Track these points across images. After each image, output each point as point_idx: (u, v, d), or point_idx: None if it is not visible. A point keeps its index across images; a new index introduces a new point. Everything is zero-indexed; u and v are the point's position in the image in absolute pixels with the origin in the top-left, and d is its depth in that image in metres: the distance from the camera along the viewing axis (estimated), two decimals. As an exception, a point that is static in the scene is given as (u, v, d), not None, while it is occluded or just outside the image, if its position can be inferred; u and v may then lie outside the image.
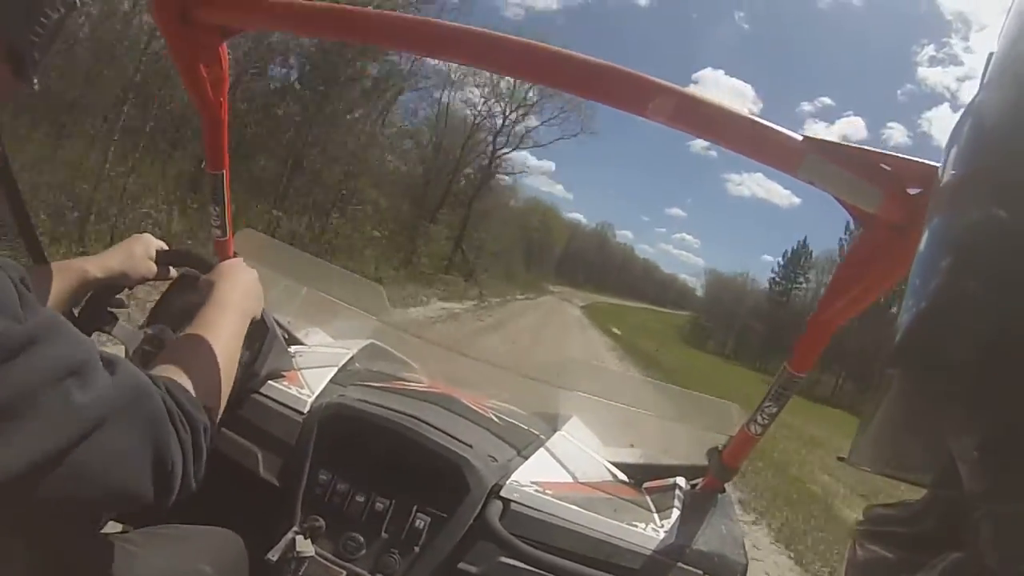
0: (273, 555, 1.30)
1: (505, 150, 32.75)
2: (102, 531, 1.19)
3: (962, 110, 0.57)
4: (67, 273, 1.20)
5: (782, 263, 64.59)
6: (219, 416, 0.91)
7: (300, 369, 1.68)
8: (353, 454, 1.45)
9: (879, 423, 0.58)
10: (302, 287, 2.06)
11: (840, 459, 0.69)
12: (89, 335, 1.31)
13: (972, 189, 0.50)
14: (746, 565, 1.41)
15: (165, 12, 1.25)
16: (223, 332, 1.00)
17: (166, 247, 1.40)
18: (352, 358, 1.88)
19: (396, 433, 1.45)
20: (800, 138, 1.07)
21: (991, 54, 0.55)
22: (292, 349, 1.80)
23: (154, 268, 1.35)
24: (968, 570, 0.48)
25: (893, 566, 0.59)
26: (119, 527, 1.30)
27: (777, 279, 64.43)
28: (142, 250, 1.33)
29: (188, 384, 0.83)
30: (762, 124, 1.08)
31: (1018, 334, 0.43)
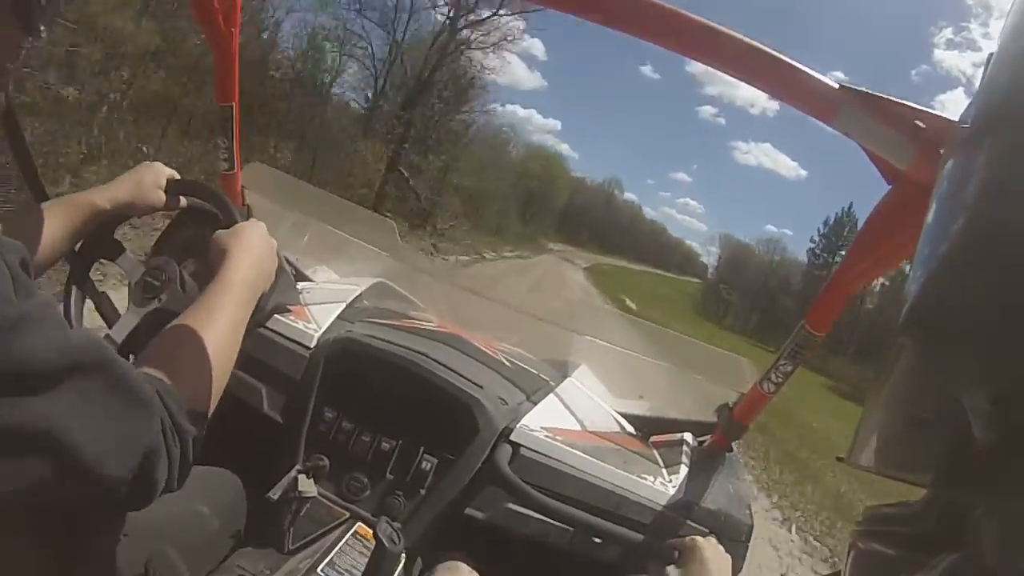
0: (274, 494, 1.27)
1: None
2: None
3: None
4: (73, 207, 1.14)
5: (823, 231, 58.46)
6: (208, 417, 0.85)
7: (307, 305, 1.64)
8: (360, 391, 1.42)
9: (879, 423, 0.58)
10: (311, 223, 2.02)
11: (839, 459, 0.68)
12: (91, 265, 1.31)
13: (985, 143, 0.50)
14: (751, 526, 1.40)
15: None
16: (226, 321, 0.93)
17: (177, 176, 1.30)
18: (360, 295, 1.84)
19: (405, 370, 1.41)
20: (837, 86, 1.03)
21: (990, 54, 0.55)
22: (300, 285, 1.76)
23: (163, 198, 1.26)
24: (968, 570, 0.48)
25: (893, 566, 0.59)
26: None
27: (817, 250, 58.37)
28: (152, 178, 1.25)
29: (180, 386, 0.78)
30: (799, 69, 1.05)
31: None
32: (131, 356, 1.08)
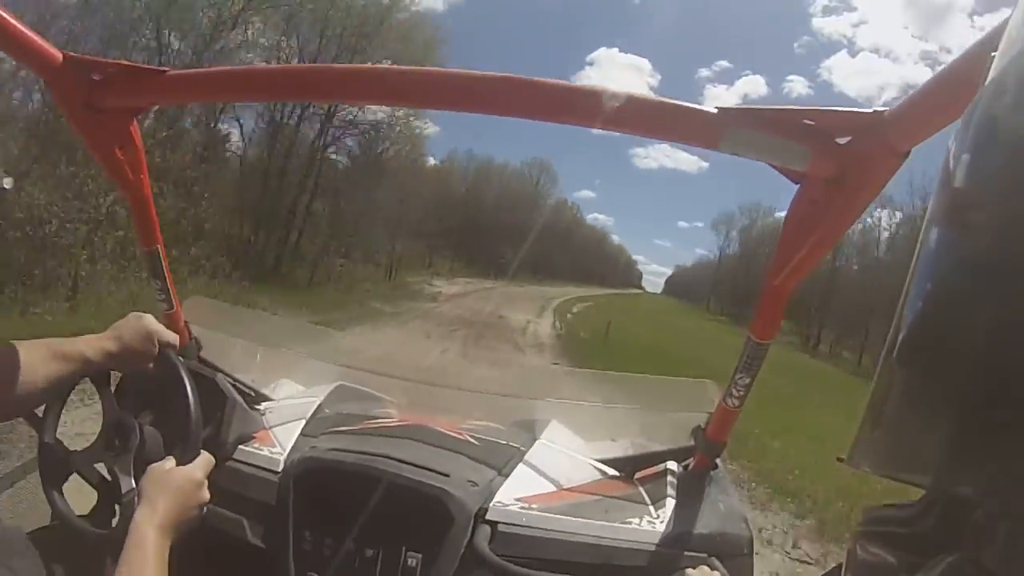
0: None
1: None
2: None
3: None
4: (63, 355, 1.19)
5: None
6: None
7: (270, 427, 1.62)
8: (334, 505, 1.39)
9: (879, 423, 0.57)
10: (258, 346, 2.01)
11: (840, 460, 0.68)
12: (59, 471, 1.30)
13: (987, 200, 0.48)
14: (751, 538, 1.38)
15: (70, 102, 1.21)
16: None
17: (169, 338, 1.36)
18: (320, 406, 1.82)
19: (371, 477, 1.39)
20: (715, 111, 1.03)
21: (992, 55, 0.54)
22: (262, 406, 1.75)
23: (151, 356, 1.32)
24: (968, 570, 0.48)
25: (893, 566, 0.58)
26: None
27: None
28: (145, 333, 1.31)
29: None
30: (675, 105, 1.05)
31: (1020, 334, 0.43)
32: None
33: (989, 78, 0.52)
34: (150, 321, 1.32)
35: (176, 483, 1.15)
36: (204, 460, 1.26)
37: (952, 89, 0.78)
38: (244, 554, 1.39)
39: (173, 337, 1.36)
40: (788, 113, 1.01)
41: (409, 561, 1.33)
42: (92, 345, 1.23)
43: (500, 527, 1.36)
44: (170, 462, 1.21)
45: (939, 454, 0.49)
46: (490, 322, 21.74)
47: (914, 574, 0.51)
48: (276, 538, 1.39)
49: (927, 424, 0.51)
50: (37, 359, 1.14)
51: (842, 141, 0.99)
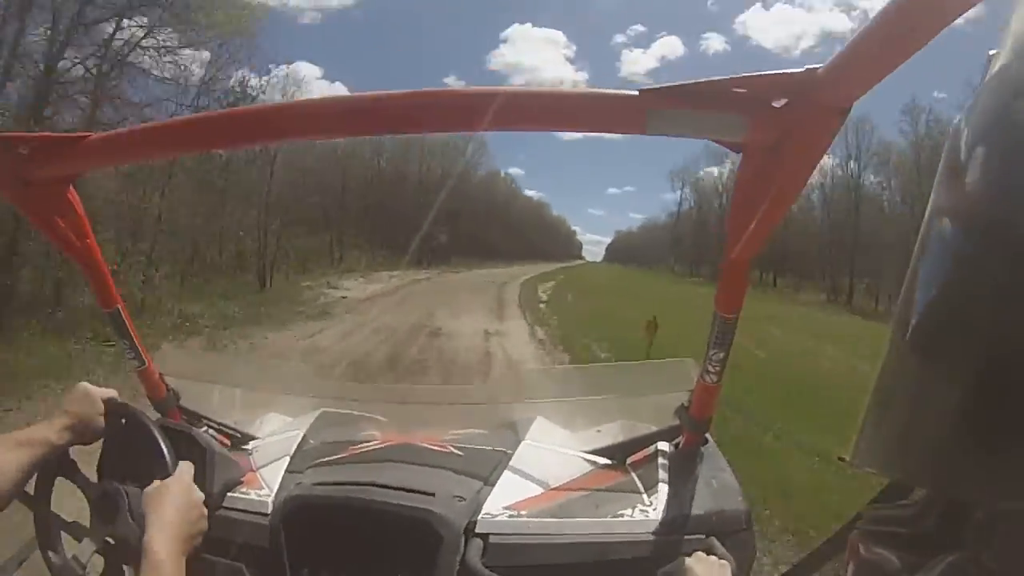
0: None
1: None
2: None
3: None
4: (27, 444, 1.22)
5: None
6: None
7: (257, 468, 1.61)
8: (325, 540, 1.39)
9: (880, 423, 0.58)
10: (235, 389, 2.00)
11: (840, 459, 0.67)
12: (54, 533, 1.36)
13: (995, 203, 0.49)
14: (748, 511, 1.37)
15: (3, 180, 1.21)
16: None
17: (112, 394, 1.38)
18: (305, 437, 1.81)
19: (357, 507, 1.38)
20: (637, 94, 0.97)
21: (990, 54, 0.56)
22: (250, 445, 1.76)
23: (102, 424, 1.35)
24: (968, 570, 0.49)
25: (893, 566, 0.59)
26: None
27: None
28: (90, 405, 1.34)
29: None
30: (594, 94, 1.00)
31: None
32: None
33: (990, 74, 0.53)
34: (94, 393, 1.35)
35: (172, 493, 1.17)
36: (185, 466, 1.30)
37: (888, 39, 0.74)
38: None
39: (112, 393, 1.39)
40: (716, 84, 0.95)
41: None
42: (48, 427, 1.27)
43: (491, 539, 1.34)
44: (157, 481, 1.23)
45: (940, 454, 0.50)
46: (423, 353, 12.38)
47: (915, 573, 0.52)
48: None
49: (928, 424, 0.52)
50: (3, 450, 1.17)
51: (778, 104, 0.94)
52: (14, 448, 1.19)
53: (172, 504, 1.15)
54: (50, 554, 1.35)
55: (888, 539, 0.62)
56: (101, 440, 1.39)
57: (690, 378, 1.49)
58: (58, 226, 1.32)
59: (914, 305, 0.54)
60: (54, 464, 1.33)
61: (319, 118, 1.11)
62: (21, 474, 1.18)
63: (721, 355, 1.33)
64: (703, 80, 0.96)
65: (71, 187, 1.31)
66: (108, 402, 1.36)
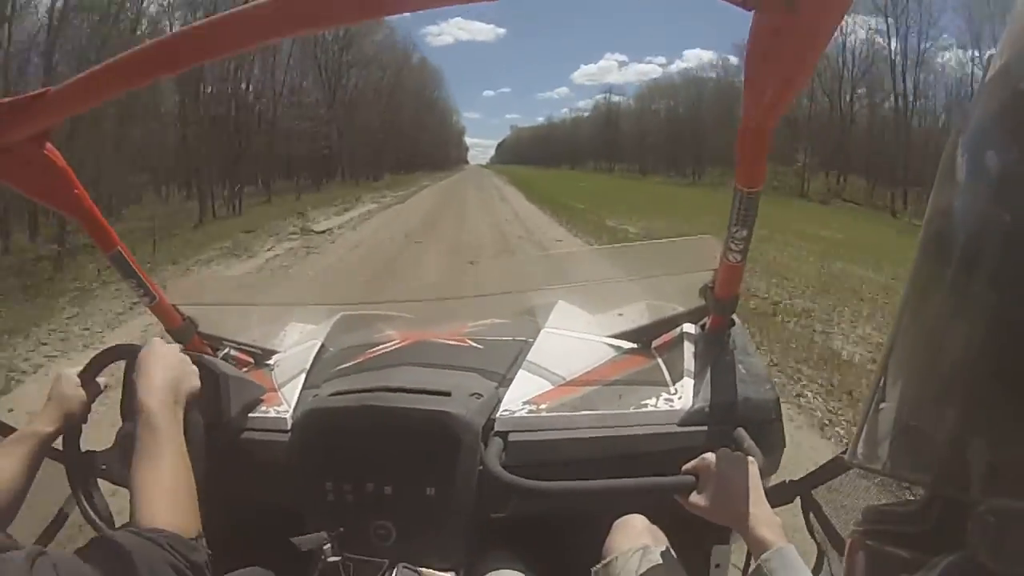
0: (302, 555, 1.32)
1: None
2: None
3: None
4: (25, 442, 1.25)
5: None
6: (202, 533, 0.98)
7: (279, 387, 1.64)
8: (345, 451, 1.41)
9: (879, 423, 0.58)
10: (252, 307, 2.01)
11: (840, 457, 0.68)
12: (87, 480, 1.44)
13: None
14: (777, 400, 1.33)
15: None
16: (166, 447, 1.05)
17: (81, 369, 1.41)
18: (323, 346, 1.82)
19: (373, 414, 1.39)
20: None
21: (990, 55, 0.54)
22: (272, 360, 1.80)
23: (84, 397, 1.38)
24: (968, 570, 0.49)
25: (893, 565, 0.60)
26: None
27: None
28: (68, 387, 1.37)
29: (173, 525, 0.92)
30: None
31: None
32: None
33: (990, 74, 0.52)
34: (69, 373, 1.40)
35: (152, 355, 1.21)
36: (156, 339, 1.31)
37: None
38: (273, 520, 1.44)
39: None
40: None
41: (428, 491, 1.36)
42: (41, 422, 1.31)
43: (511, 437, 1.36)
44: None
45: (940, 453, 0.51)
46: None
47: (915, 573, 0.52)
48: (299, 497, 1.43)
49: (928, 422, 0.53)
50: (2, 455, 1.22)
51: None
52: (9, 453, 1.22)
53: (154, 365, 1.18)
54: (87, 507, 1.42)
55: (889, 537, 0.63)
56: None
57: (712, 257, 1.43)
58: (43, 186, 1.31)
59: (913, 307, 0.55)
60: (75, 427, 1.39)
61: (264, 20, 1.02)
62: (22, 476, 1.21)
63: (744, 233, 1.26)
64: None
65: (47, 142, 1.26)
66: (94, 362, 1.41)
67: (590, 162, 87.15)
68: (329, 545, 1.33)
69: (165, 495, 0.98)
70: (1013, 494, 0.46)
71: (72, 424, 1.37)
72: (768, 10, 0.94)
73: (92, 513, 1.41)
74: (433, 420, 1.35)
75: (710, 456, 1.15)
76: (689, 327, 1.56)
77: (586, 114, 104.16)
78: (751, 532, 1.05)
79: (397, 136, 53.79)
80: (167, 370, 1.18)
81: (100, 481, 1.45)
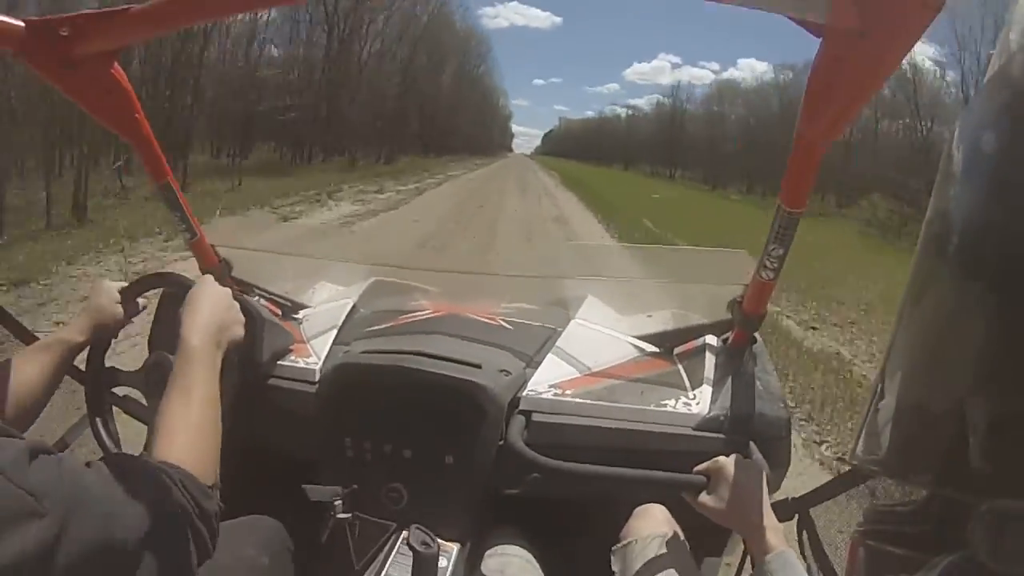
0: (322, 535, 1.34)
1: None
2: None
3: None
4: (51, 349, 1.23)
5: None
6: (218, 482, 0.93)
7: (307, 338, 1.66)
8: (369, 409, 1.43)
9: (880, 424, 0.58)
10: (287, 258, 2.02)
11: (840, 459, 0.68)
12: (103, 395, 1.44)
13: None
14: (788, 419, 1.36)
15: (46, 65, 1.20)
16: (200, 388, 1.01)
17: (126, 284, 1.40)
18: (355, 306, 1.84)
19: (402, 375, 1.41)
20: None
21: (991, 55, 0.55)
22: (300, 314, 1.81)
23: (121, 312, 1.37)
24: (968, 570, 0.49)
25: (894, 565, 0.61)
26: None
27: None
28: (106, 299, 1.35)
29: (191, 466, 0.87)
30: None
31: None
32: None
33: (989, 74, 0.53)
34: (110, 285, 1.38)
35: (202, 292, 1.18)
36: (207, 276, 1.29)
37: None
38: (289, 470, 1.45)
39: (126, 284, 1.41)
40: None
41: (446, 459, 1.38)
42: (70, 330, 1.29)
43: (534, 416, 1.38)
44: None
45: (940, 453, 0.52)
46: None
47: (915, 572, 0.52)
48: (317, 448, 1.45)
49: (929, 423, 0.53)
50: (30, 360, 1.19)
51: None
52: (34, 359, 1.20)
53: (205, 302, 1.16)
54: (100, 427, 1.43)
55: (888, 538, 0.64)
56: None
57: (744, 272, 1.44)
58: (107, 106, 1.32)
59: (913, 307, 0.55)
60: (104, 340, 1.39)
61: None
62: (43, 386, 1.20)
63: (780, 251, 1.28)
64: None
65: (115, 62, 1.28)
66: (122, 290, 1.39)
67: (645, 164, 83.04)
68: (340, 502, 1.34)
69: (189, 434, 0.94)
70: (1013, 494, 0.46)
71: (101, 337, 1.36)
72: (834, 38, 0.97)
73: (104, 434, 1.42)
74: (462, 389, 1.38)
75: (724, 460, 1.18)
76: (712, 339, 1.58)
77: (646, 111, 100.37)
78: (755, 536, 1.08)
79: (426, 109, 45.92)
80: (216, 311, 1.16)
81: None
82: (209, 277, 1.25)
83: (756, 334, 1.53)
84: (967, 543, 0.49)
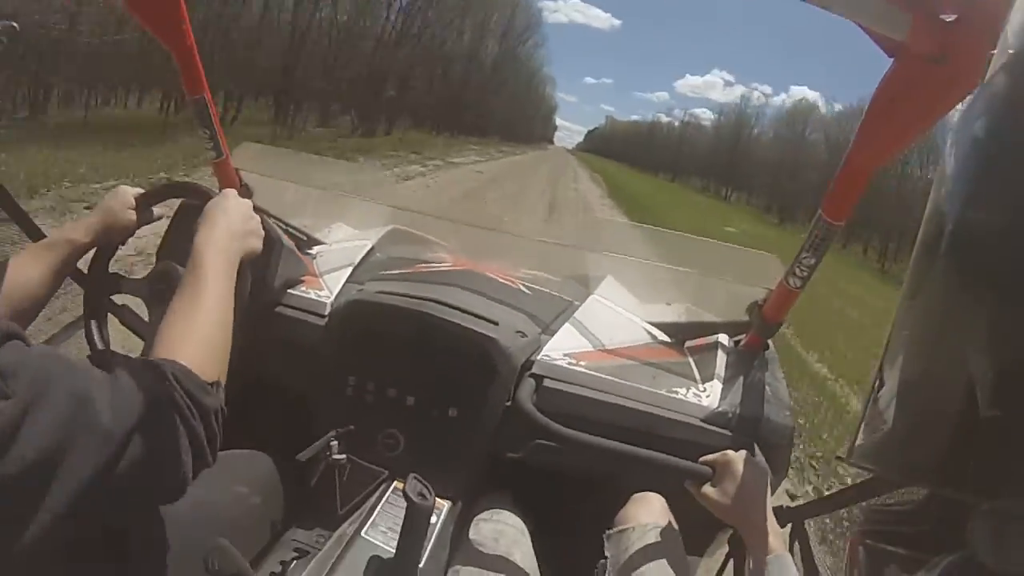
0: (312, 477, 1.34)
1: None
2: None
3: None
4: (53, 248, 1.19)
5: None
6: (223, 383, 0.89)
7: (321, 274, 1.64)
8: (377, 351, 1.42)
9: (878, 423, 0.58)
10: (311, 189, 2.01)
11: (839, 458, 0.67)
12: (101, 300, 1.39)
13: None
14: (793, 428, 1.35)
15: None
16: (211, 291, 0.96)
17: (143, 191, 1.34)
18: (372, 249, 1.82)
19: (417, 320, 1.40)
20: None
21: (991, 55, 0.57)
22: (314, 250, 1.78)
23: (134, 217, 1.31)
24: (968, 570, 0.50)
25: (894, 565, 0.61)
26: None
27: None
28: (120, 203, 1.30)
29: (192, 363, 0.81)
30: None
31: None
32: None
33: (989, 74, 0.53)
34: (127, 190, 1.33)
35: (234, 204, 1.14)
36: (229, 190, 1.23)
37: None
38: (282, 401, 1.46)
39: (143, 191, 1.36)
40: None
41: (450, 412, 1.38)
42: (76, 228, 1.25)
43: (546, 382, 1.38)
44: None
45: (940, 453, 0.51)
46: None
47: (915, 572, 0.53)
48: (318, 383, 1.44)
49: (928, 423, 0.53)
50: (31, 257, 1.16)
51: (948, 19, 0.89)
52: (37, 257, 1.16)
53: (223, 215, 1.11)
54: (93, 329, 1.38)
55: (888, 538, 0.64)
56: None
57: (770, 276, 1.45)
58: (156, 11, 1.32)
59: (910, 306, 0.55)
60: (112, 245, 1.35)
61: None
62: (45, 285, 1.16)
63: (812, 261, 1.29)
64: None
65: None
66: (138, 196, 1.33)
67: (695, 178, 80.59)
68: (336, 442, 1.34)
69: (192, 334, 0.88)
70: (1013, 494, 0.46)
71: (109, 242, 1.32)
72: (905, 61, 0.97)
73: (97, 337, 1.37)
74: (477, 343, 1.37)
75: (733, 454, 1.17)
76: (724, 338, 1.58)
77: (704, 123, 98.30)
78: (756, 535, 1.08)
79: (443, 74, 39.65)
80: (234, 223, 1.11)
81: None
82: (231, 191, 1.19)
83: (769, 340, 1.53)
84: (967, 543, 0.50)
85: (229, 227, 1.09)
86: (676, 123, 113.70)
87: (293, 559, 1.25)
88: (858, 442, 0.60)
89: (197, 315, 0.91)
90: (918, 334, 0.54)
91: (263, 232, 1.19)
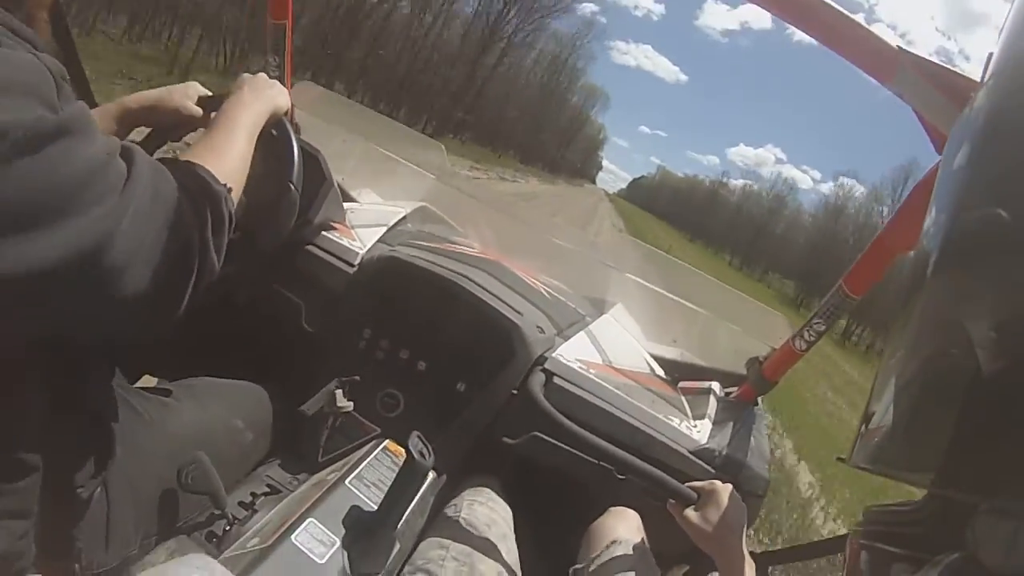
0: (308, 408, 1.34)
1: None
2: (136, 384, 1.24)
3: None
4: (107, 113, 1.16)
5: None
6: (235, 200, 0.89)
7: (353, 226, 1.66)
8: (400, 311, 1.45)
9: (878, 424, 0.58)
10: (360, 142, 2.02)
11: (840, 459, 0.69)
12: None
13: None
14: (768, 481, 1.40)
15: None
16: (237, 126, 1.00)
17: (211, 94, 1.26)
18: (404, 218, 1.86)
19: (446, 291, 1.43)
20: (896, 47, 1.04)
21: (990, 54, 0.56)
22: (346, 206, 1.78)
23: (190, 107, 1.23)
24: (968, 570, 0.49)
25: (893, 565, 0.61)
26: (154, 381, 1.31)
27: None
28: (182, 92, 1.24)
29: (207, 168, 0.84)
30: (861, 27, 1.06)
31: None
32: None
33: (989, 74, 0.55)
34: (196, 85, 1.27)
35: (260, 75, 1.17)
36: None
37: None
38: (292, 338, 1.47)
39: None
40: (958, 77, 1.01)
41: (458, 386, 1.42)
42: (132, 97, 1.20)
43: (555, 379, 1.42)
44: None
45: (940, 454, 0.51)
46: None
47: (914, 573, 0.53)
48: (331, 329, 1.47)
49: (928, 423, 0.53)
50: None
51: None
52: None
53: (247, 78, 1.15)
54: None
55: (888, 539, 0.64)
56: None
57: (775, 335, 1.52)
58: None
59: (910, 307, 0.55)
60: (161, 133, 1.25)
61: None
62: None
63: (822, 327, 1.36)
64: (955, 70, 1.01)
65: None
66: (203, 96, 1.25)
67: (726, 248, 77.97)
68: (340, 389, 1.36)
69: (212, 148, 0.92)
70: (1013, 494, 0.47)
71: (159, 122, 1.23)
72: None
73: None
74: (500, 325, 1.42)
75: (719, 484, 1.21)
76: (716, 386, 1.64)
77: (764, 195, 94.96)
78: (732, 567, 1.12)
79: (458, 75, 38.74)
80: (259, 83, 1.15)
81: None
82: (262, 75, 1.20)
83: (759, 398, 1.59)
84: (967, 543, 0.51)
85: (254, 87, 1.13)
86: (736, 191, 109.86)
87: (264, 494, 1.26)
88: (858, 444, 0.60)
89: (216, 140, 0.96)
90: (917, 334, 0.55)
91: (287, 92, 1.21)
